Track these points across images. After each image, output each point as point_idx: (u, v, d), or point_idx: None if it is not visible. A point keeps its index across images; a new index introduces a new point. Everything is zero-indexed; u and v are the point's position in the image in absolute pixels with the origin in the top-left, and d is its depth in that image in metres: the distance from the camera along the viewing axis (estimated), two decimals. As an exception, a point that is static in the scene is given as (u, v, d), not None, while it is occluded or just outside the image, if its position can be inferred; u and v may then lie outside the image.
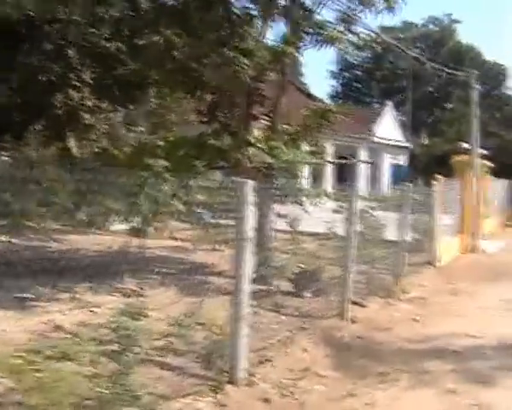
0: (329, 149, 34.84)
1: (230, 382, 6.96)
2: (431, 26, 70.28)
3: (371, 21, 13.90)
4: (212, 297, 10.07)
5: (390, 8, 13.03)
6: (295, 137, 12.93)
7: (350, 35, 13.02)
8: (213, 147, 12.27)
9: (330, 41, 12.30)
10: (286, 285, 12.02)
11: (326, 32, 12.26)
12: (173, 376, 7.12)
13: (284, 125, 13.26)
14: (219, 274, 13.16)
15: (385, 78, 68.39)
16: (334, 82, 75.09)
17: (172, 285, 11.83)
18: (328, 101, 72.75)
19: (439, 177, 17.86)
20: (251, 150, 11.76)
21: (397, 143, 45.06)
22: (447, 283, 15.50)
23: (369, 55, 69.32)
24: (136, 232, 11.89)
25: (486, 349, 9.63)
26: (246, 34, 10.91)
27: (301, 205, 11.55)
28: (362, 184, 38.42)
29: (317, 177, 34.18)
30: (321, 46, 12.47)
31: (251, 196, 6.90)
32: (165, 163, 11.53)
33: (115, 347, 6.15)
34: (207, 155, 12.16)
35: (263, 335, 9.00)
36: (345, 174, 40.00)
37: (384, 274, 14.03)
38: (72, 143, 18.24)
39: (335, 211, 11.95)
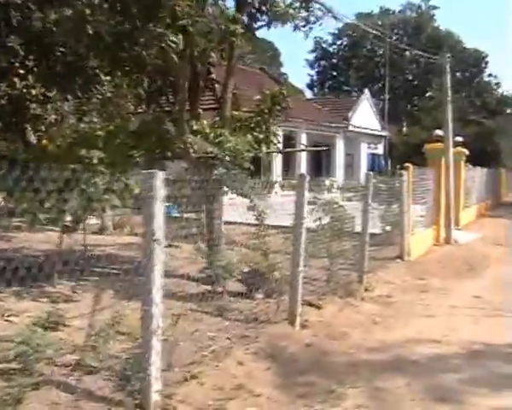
0: (303, 138, 33.93)
1: (141, 407, 5.91)
2: (408, 13, 69.16)
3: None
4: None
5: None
6: (246, 124, 11.88)
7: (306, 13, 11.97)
8: (154, 135, 11.16)
9: (282, 18, 11.21)
10: (238, 286, 10.99)
11: (277, 9, 11.18)
12: (72, 401, 6.04)
13: (235, 112, 12.19)
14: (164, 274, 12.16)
15: (362, 66, 67.54)
16: (311, 71, 74.26)
17: (110, 288, 10.75)
18: (305, 90, 72.62)
19: (409, 165, 16.86)
20: (191, 139, 10.66)
21: (374, 132, 44.09)
22: (417, 278, 14.50)
23: (346, 43, 68.66)
24: (68, 229, 10.74)
25: (452, 358, 8.64)
26: (177, 9, 9.72)
27: (246, 198, 10.44)
28: (339, 173, 37.44)
29: (289, 167, 33.32)
30: (271, 24, 11.38)
31: (161, 190, 5.84)
32: (101, 154, 10.45)
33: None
34: (147, 144, 11.04)
35: (196, 345, 7.99)
36: (321, 164, 39.10)
37: (348, 270, 13.07)
38: (28, 134, 17.13)
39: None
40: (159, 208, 5.80)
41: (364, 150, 43.08)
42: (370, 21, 60.17)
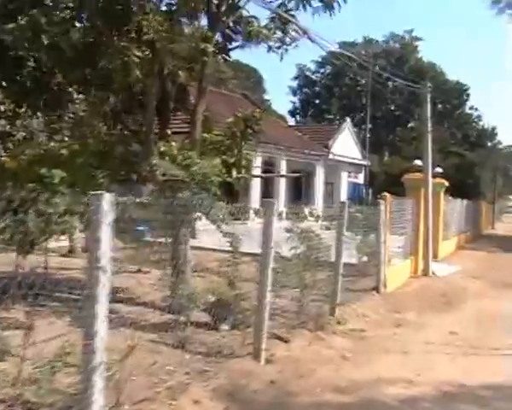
0: (283, 164, 33.54)
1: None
2: (392, 43, 69.31)
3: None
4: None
5: (327, 6, 11.60)
6: (217, 147, 11.42)
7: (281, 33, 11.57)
8: (118, 156, 10.65)
9: (255, 38, 10.80)
10: (204, 316, 10.47)
11: (251, 28, 10.77)
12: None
13: (206, 135, 11.73)
14: (128, 301, 11.64)
15: (345, 94, 67.50)
16: (294, 98, 74.13)
17: (68, 314, 10.17)
18: (288, 118, 72.46)
19: (386, 194, 16.45)
20: (157, 161, 10.17)
21: (355, 161, 43.79)
22: (392, 311, 14.02)
23: (329, 72, 68.61)
24: (22, 251, 10.20)
25: (423, 401, 8.16)
26: (143, 23, 9.25)
27: (215, 223, 9.95)
28: (319, 201, 37.03)
29: (269, 193, 32.86)
30: (245, 45, 10.97)
31: (108, 214, 5.33)
32: (63, 174, 9.92)
33: None
34: (111, 165, 10.52)
35: (152, 379, 7.45)
36: (301, 192, 38.71)
37: (321, 302, 12.57)
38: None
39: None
40: (105, 233, 5.28)
41: (345, 179, 42.71)
42: (354, 50, 60.24)
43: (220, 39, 11.48)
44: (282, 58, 11.81)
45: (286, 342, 9.99)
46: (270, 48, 11.70)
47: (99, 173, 10.27)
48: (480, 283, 19.18)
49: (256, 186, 31.18)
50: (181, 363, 8.38)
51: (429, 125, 19.61)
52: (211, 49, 10.29)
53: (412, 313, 13.96)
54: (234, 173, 11.47)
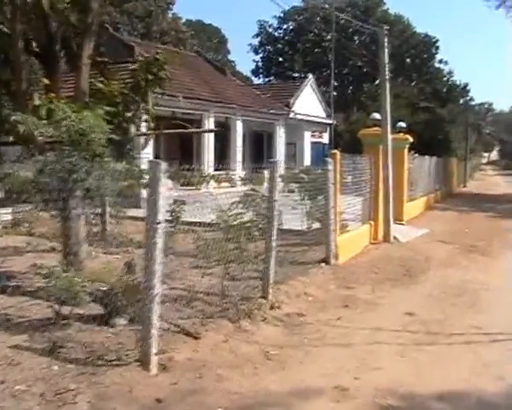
0: (238, 125, 31.37)
1: None
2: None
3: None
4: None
5: None
6: (111, 99, 9.21)
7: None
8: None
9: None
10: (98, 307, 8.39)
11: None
12: None
13: (100, 84, 9.53)
14: (15, 291, 9.51)
15: (309, 51, 64.79)
16: (257, 57, 71.32)
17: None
18: (252, 77, 69.97)
19: (336, 152, 14.43)
20: (17, 117, 7.97)
21: (319, 120, 41.58)
22: (342, 287, 12.02)
23: (292, 27, 65.92)
24: None
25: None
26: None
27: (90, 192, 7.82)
28: (281, 162, 34.81)
29: (225, 155, 30.78)
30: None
31: None
32: None
33: None
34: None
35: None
36: (262, 153, 36.58)
37: (254, 280, 10.57)
38: None
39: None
40: None
41: (308, 139, 40.43)
42: (317, 3, 57.86)
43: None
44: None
45: (196, 338, 7.93)
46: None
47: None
48: (448, 248, 17.23)
49: (210, 148, 28.96)
50: (42, 379, 6.31)
51: (387, 71, 17.47)
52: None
53: (365, 288, 12.00)
54: (132, 130, 9.30)
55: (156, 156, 25.55)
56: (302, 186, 14.31)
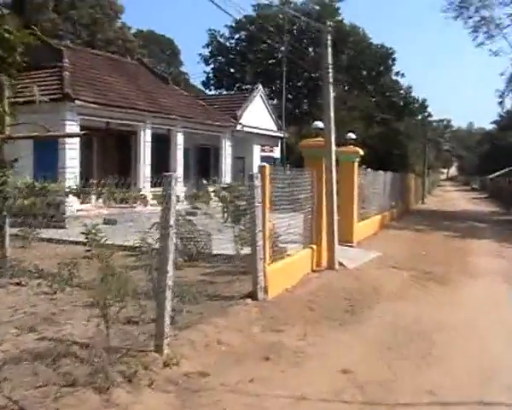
0: (179, 137, 29.04)
1: None
2: (311, 5, 64.19)
3: None
4: None
5: None
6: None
7: None
8: None
9: None
10: None
11: None
12: None
13: None
14: None
15: (261, 62, 62.53)
16: (207, 68, 68.96)
17: None
18: (203, 89, 67.67)
19: (265, 165, 12.21)
20: None
21: (268, 133, 39.34)
22: (269, 331, 9.72)
23: (244, 37, 63.72)
24: None
25: None
26: None
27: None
28: (227, 178, 32.44)
29: (166, 169, 28.30)
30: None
31: None
32: None
33: None
34: None
35: None
36: (207, 167, 34.23)
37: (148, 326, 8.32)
38: None
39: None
40: None
41: (258, 153, 38.14)
42: (270, 13, 55.89)
43: None
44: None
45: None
46: None
47: None
48: (401, 275, 15.07)
49: (146, 161, 26.52)
50: None
51: (330, 73, 15.23)
52: None
53: (296, 330, 9.72)
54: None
55: (87, 170, 23.24)
56: (225, 206, 12.08)
